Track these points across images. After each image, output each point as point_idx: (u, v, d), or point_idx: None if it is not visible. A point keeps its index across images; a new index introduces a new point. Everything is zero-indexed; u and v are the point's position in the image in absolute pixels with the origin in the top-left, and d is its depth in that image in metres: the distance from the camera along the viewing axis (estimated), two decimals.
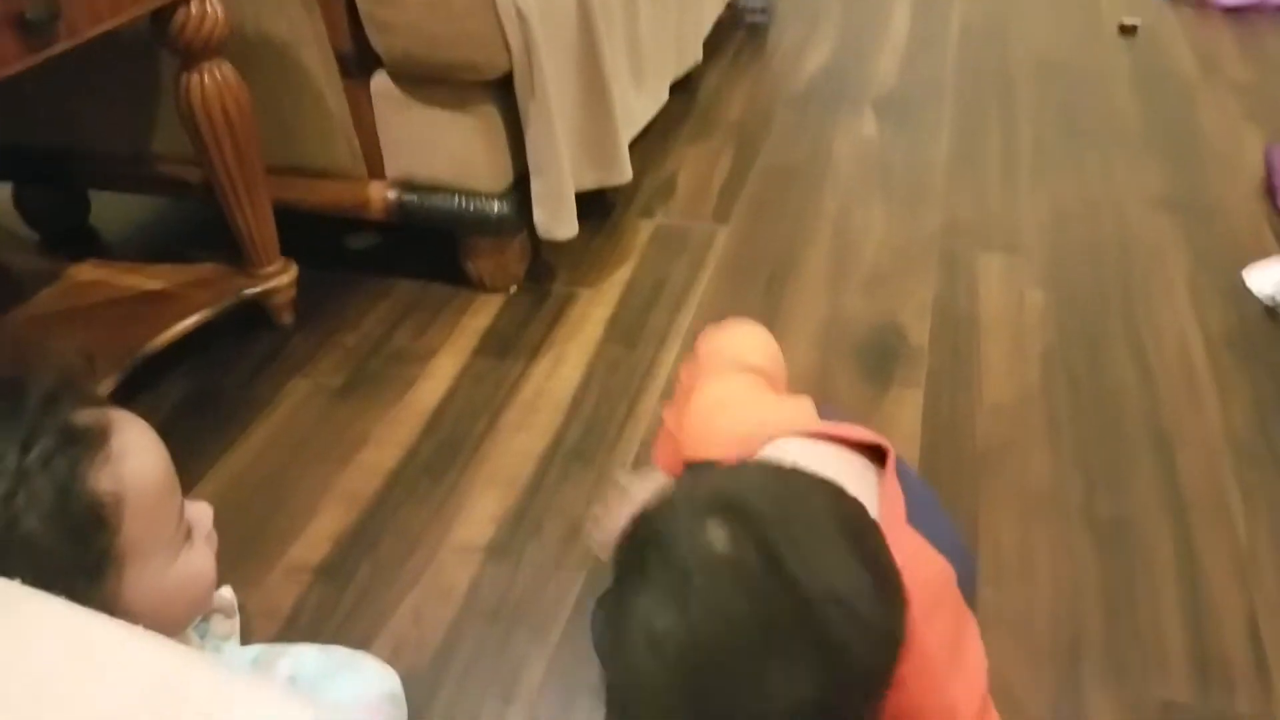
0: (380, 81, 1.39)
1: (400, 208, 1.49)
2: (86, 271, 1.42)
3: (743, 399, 0.84)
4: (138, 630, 0.49)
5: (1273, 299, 1.45)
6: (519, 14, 1.28)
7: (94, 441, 0.56)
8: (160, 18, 1.11)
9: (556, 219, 1.48)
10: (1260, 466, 1.19)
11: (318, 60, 1.36)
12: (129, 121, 1.51)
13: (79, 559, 0.55)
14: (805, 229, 1.70)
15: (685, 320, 1.49)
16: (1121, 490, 1.17)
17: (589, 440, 1.27)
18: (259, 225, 1.34)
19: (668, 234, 1.72)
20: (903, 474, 0.75)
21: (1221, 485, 1.17)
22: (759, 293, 1.55)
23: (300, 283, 1.45)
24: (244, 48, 1.31)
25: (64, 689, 0.45)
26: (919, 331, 1.45)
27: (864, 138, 1.97)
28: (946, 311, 1.49)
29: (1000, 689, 0.96)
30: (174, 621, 0.66)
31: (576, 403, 1.34)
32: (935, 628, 0.63)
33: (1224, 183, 1.77)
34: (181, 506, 0.67)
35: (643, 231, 1.73)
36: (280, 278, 1.39)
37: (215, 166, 1.26)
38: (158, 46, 1.17)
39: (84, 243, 1.74)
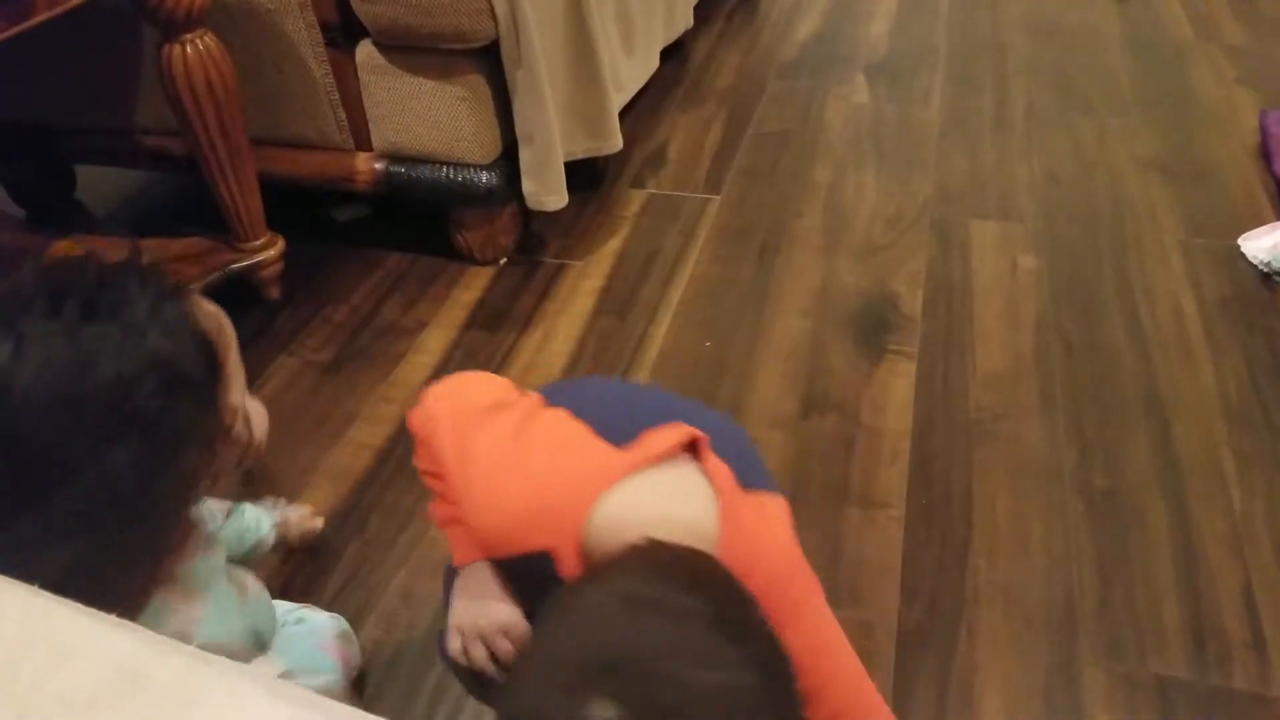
0: (365, 51, 1.36)
1: (388, 179, 1.47)
2: (75, 247, 1.40)
3: (520, 452, 0.67)
4: (103, 616, 0.48)
5: (1267, 264, 1.45)
6: None
7: (187, 296, 0.65)
8: None
9: (546, 189, 1.46)
10: (1255, 433, 1.20)
11: (302, 30, 1.34)
12: (112, 94, 1.48)
13: (206, 381, 0.63)
14: (797, 198, 1.69)
15: (677, 292, 1.48)
16: (1115, 459, 1.17)
17: None
18: (245, 198, 1.32)
19: (659, 204, 1.70)
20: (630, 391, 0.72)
21: (1216, 453, 1.17)
22: (751, 262, 1.54)
23: (288, 256, 1.43)
24: (226, 18, 1.28)
25: (26, 674, 0.45)
26: (912, 300, 1.44)
27: (855, 105, 1.95)
28: (939, 279, 1.48)
29: (993, 662, 0.97)
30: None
31: (568, 376, 1.33)
32: (802, 629, 0.62)
33: (1218, 146, 1.76)
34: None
35: (634, 202, 1.71)
36: (267, 251, 1.38)
37: (199, 139, 1.24)
38: (139, 18, 1.15)
39: (70, 217, 1.72)
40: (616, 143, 1.62)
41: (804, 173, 1.75)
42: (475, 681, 0.70)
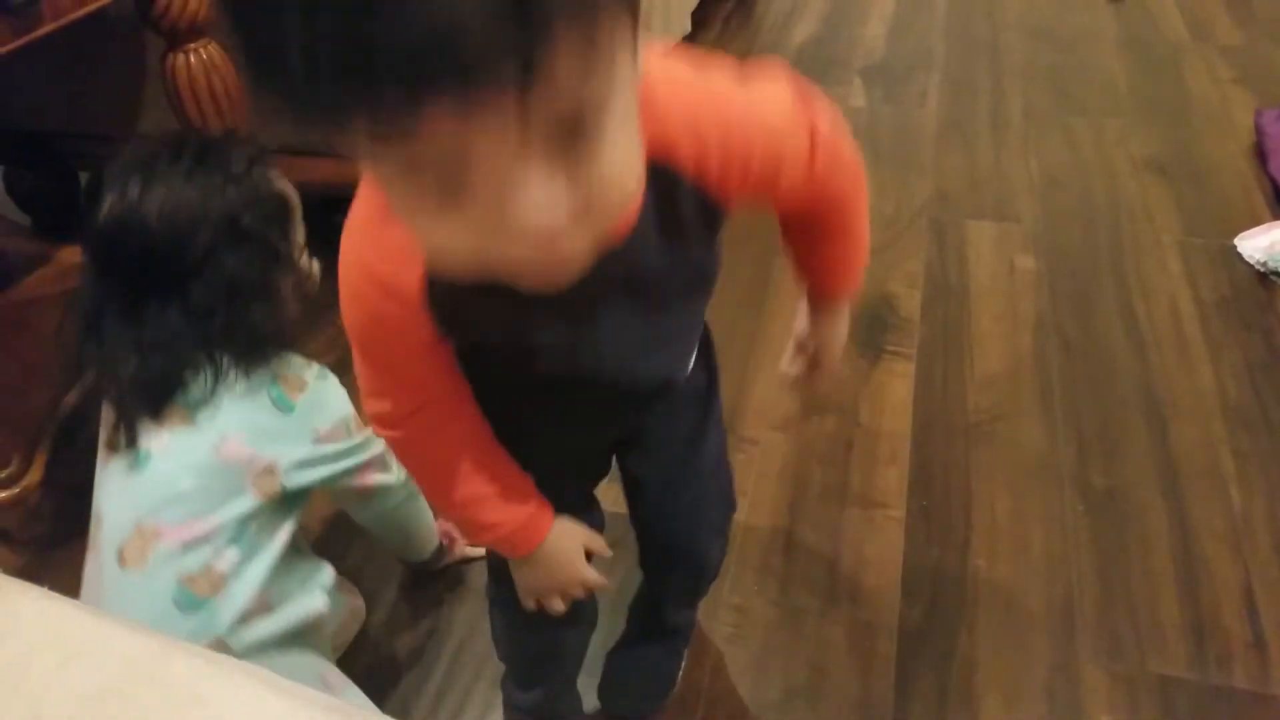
0: None
1: None
2: (79, 254, 1.41)
3: None
4: (114, 618, 0.50)
5: (1264, 264, 1.46)
6: None
7: (269, 162, 0.86)
8: None
9: None
10: (1253, 433, 1.20)
11: None
12: (117, 102, 1.49)
13: (284, 217, 0.86)
14: None
15: None
16: (1114, 459, 1.18)
17: None
18: None
19: None
20: None
21: (1215, 452, 1.18)
22: (749, 265, 1.55)
23: None
24: None
25: (39, 670, 0.46)
26: (910, 301, 1.45)
27: (852, 108, 1.96)
28: (937, 281, 1.49)
29: (993, 661, 0.98)
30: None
31: None
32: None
33: (1214, 147, 1.77)
34: None
35: None
36: None
37: None
38: (143, 27, 1.16)
39: (75, 225, 1.72)
40: None
41: None
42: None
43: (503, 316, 0.52)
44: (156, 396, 0.80)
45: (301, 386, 0.85)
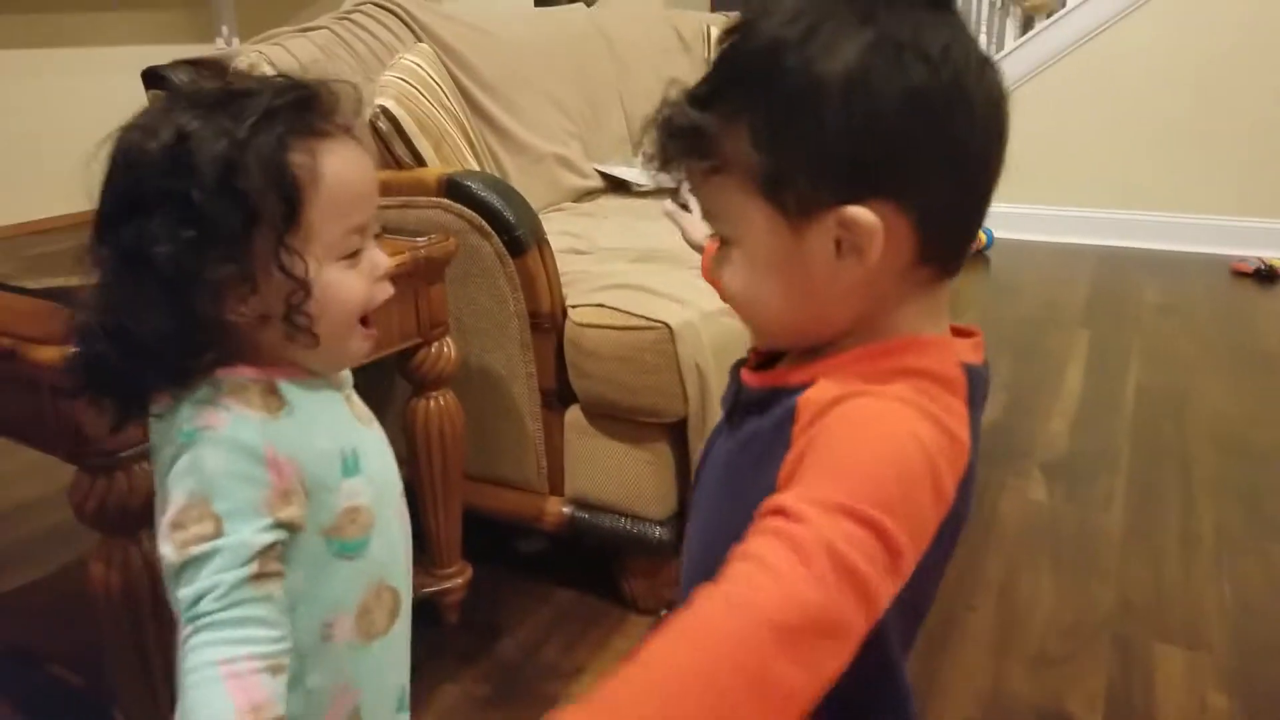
0: (574, 414, 1.54)
1: (572, 522, 1.59)
2: None
3: None
4: None
5: None
6: (699, 370, 1.42)
7: (310, 134, 0.71)
8: (405, 352, 1.29)
9: None
10: None
11: (524, 391, 1.53)
12: None
13: (277, 207, 0.68)
14: (967, 589, 1.67)
15: None
16: None
17: None
18: (448, 528, 1.45)
19: None
20: None
21: None
22: (916, 654, 1.51)
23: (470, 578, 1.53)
24: (465, 375, 1.49)
25: None
26: None
27: (1032, 501, 1.96)
28: (1119, 706, 1.40)
29: None
30: (328, 330, 0.73)
31: None
32: None
33: None
34: (361, 230, 0.75)
35: None
36: (456, 579, 1.48)
37: (421, 474, 1.40)
38: (395, 373, 1.36)
39: None
40: None
41: (975, 564, 1.74)
42: None
43: None
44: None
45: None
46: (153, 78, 1.64)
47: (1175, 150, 3.75)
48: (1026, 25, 4.10)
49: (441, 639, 1.53)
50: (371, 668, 0.81)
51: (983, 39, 4.07)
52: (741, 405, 0.62)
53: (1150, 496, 1.98)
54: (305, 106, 0.71)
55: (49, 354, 0.94)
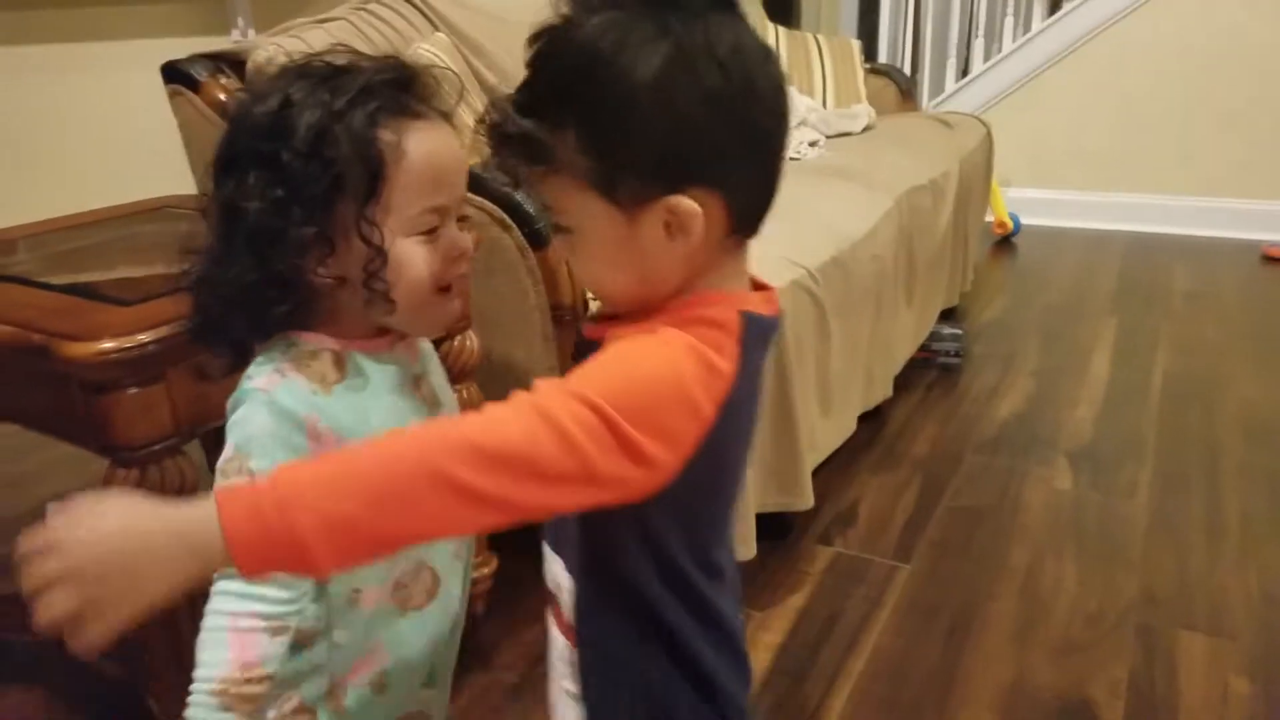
0: None
1: None
2: None
3: None
4: None
5: None
6: None
7: (404, 113, 0.75)
8: None
9: (736, 538, 1.54)
10: None
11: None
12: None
13: (360, 178, 0.72)
14: (991, 578, 1.67)
15: (858, 663, 1.47)
16: None
17: None
18: None
19: (845, 564, 1.73)
20: None
21: None
22: (938, 642, 1.52)
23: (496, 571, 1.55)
24: (487, 368, 1.50)
25: None
26: (1111, 712, 1.36)
27: (1057, 489, 1.95)
28: (1143, 693, 1.40)
29: None
30: (403, 298, 0.76)
31: None
32: None
33: None
34: (441, 211, 0.77)
35: (820, 558, 1.75)
36: (481, 570, 1.50)
37: None
38: None
39: None
40: (808, 500, 1.70)
41: (999, 553, 1.74)
42: None
43: None
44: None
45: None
46: (172, 72, 1.66)
47: (1206, 133, 3.69)
48: (1054, 6, 4.05)
49: (470, 629, 1.54)
50: (403, 637, 0.85)
51: (1009, 20, 4.01)
52: (579, 353, 0.69)
53: (1176, 485, 1.96)
54: (403, 87, 0.76)
55: (80, 349, 0.97)
